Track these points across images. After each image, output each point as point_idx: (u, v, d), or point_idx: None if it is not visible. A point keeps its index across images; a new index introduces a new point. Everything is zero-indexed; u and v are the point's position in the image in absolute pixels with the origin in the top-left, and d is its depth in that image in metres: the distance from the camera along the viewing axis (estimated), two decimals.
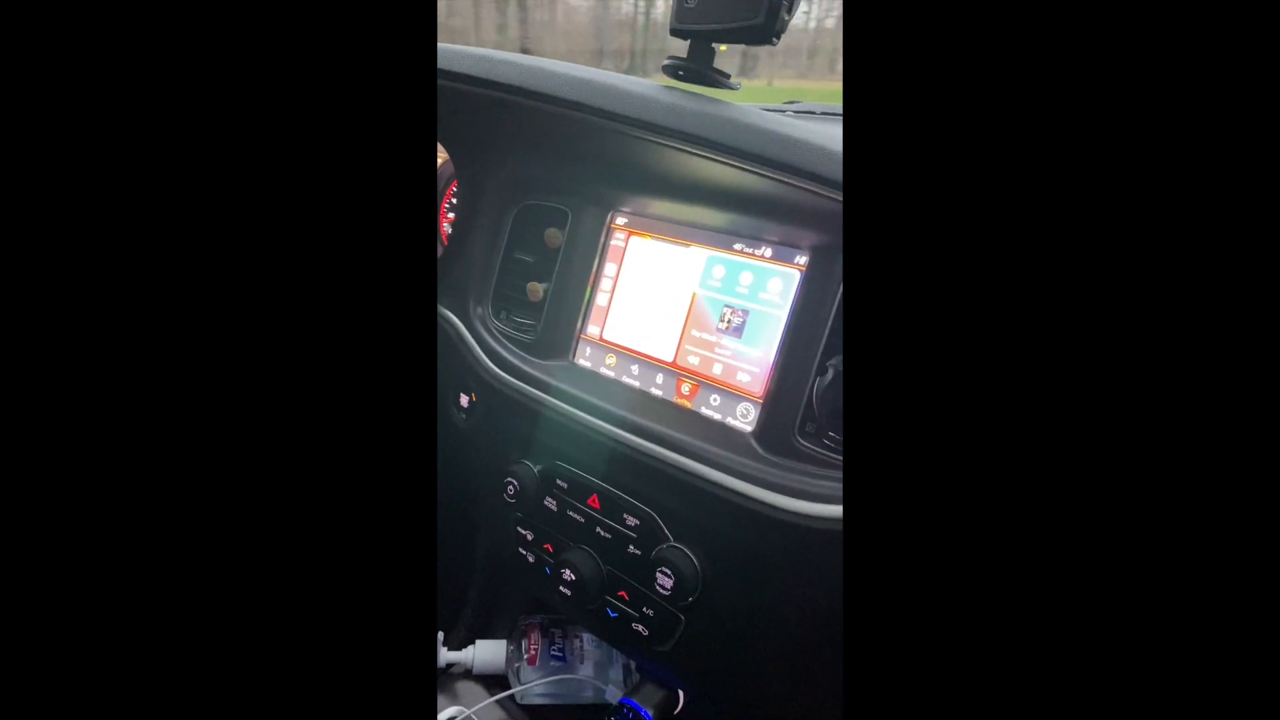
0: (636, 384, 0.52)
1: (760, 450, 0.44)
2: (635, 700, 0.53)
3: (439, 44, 0.55)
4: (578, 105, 0.47)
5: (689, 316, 0.49)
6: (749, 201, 0.46)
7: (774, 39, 0.45)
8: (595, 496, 0.51)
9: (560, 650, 0.61)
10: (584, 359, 0.55)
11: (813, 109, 0.87)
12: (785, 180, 0.41)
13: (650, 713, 0.53)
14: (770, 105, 0.90)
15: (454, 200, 0.75)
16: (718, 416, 0.47)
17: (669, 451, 0.46)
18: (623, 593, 0.50)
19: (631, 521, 0.48)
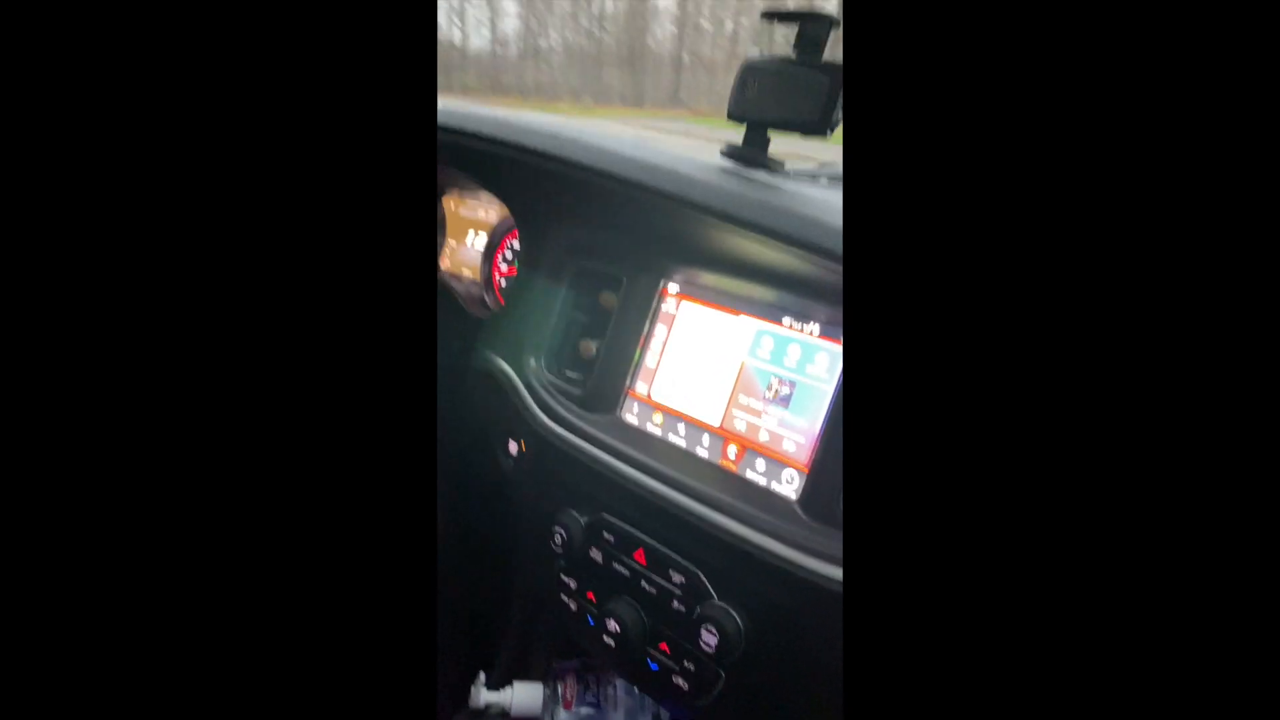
0: (683, 444, 0.54)
1: (804, 517, 0.46)
2: None
3: (505, 113, 0.60)
4: (640, 186, 0.51)
5: (737, 383, 0.52)
6: (799, 283, 0.49)
7: (828, 132, 0.49)
8: (641, 551, 0.53)
9: (595, 698, 0.63)
10: (631, 415, 0.58)
11: (839, 173, 0.91)
12: (829, 268, 0.44)
13: None
14: (806, 170, 0.93)
15: (507, 254, 0.79)
16: (762, 482, 0.50)
17: (714, 512, 0.48)
18: (664, 645, 0.52)
19: (677, 578, 0.51)
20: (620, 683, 0.64)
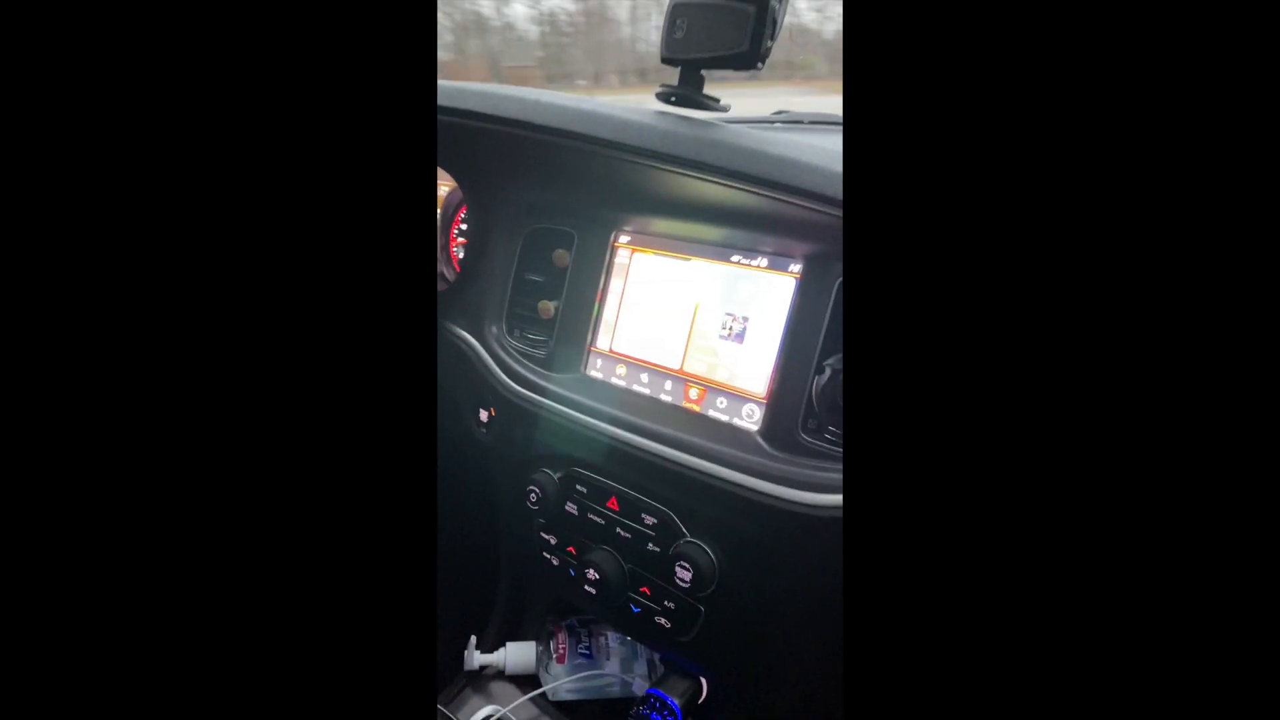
0: (646, 391, 0.55)
1: (766, 447, 0.47)
2: (662, 690, 0.56)
3: (442, 83, 0.59)
4: (578, 136, 0.50)
5: (693, 326, 0.53)
6: (744, 217, 0.49)
7: (759, 64, 0.49)
8: (614, 499, 0.54)
9: (587, 648, 0.64)
10: (595, 370, 0.58)
11: (800, 119, 0.90)
12: (776, 197, 0.44)
13: (677, 701, 0.56)
14: (759, 118, 0.93)
15: (463, 226, 0.79)
16: (725, 418, 0.50)
17: (680, 453, 0.49)
18: (644, 589, 0.53)
19: (649, 520, 0.52)
20: (611, 633, 0.66)
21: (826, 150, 0.46)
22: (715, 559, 0.49)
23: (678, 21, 0.51)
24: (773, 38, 0.49)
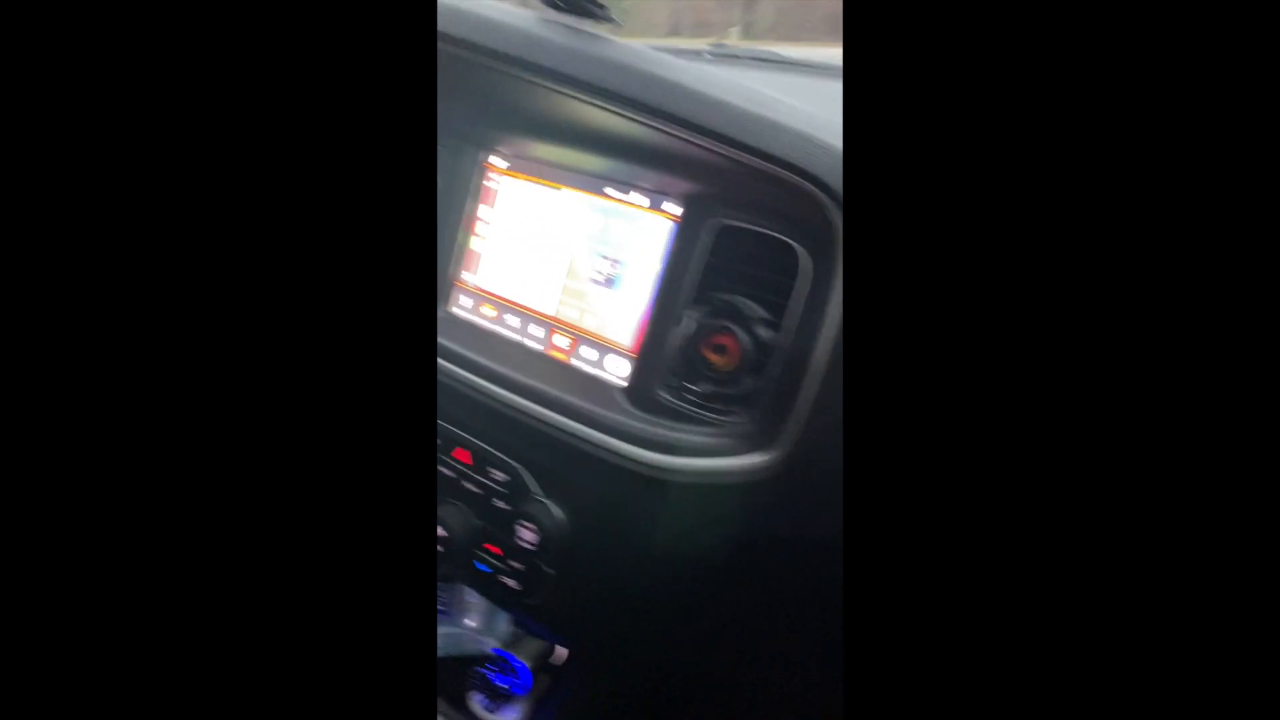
0: (514, 336, 0.49)
1: (629, 405, 0.43)
2: (511, 652, 0.53)
3: None
4: (443, 36, 0.43)
5: (566, 266, 0.47)
6: (625, 146, 0.43)
7: None
8: (464, 450, 0.49)
9: (444, 604, 0.60)
10: (459, 308, 0.52)
11: (737, 53, 0.83)
12: (656, 126, 0.39)
13: (527, 664, 0.53)
14: (694, 48, 0.86)
15: None
16: (591, 370, 0.46)
17: (538, 406, 0.45)
18: (492, 546, 0.49)
19: (499, 476, 0.47)
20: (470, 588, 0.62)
21: (725, 80, 0.40)
22: (565, 519, 0.45)
23: None
24: None
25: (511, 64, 0.42)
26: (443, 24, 0.44)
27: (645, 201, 0.44)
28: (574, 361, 0.47)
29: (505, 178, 0.50)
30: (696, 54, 0.82)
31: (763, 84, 0.42)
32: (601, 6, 0.47)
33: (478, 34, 0.43)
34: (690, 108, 0.38)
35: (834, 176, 0.35)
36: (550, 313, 0.48)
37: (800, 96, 0.54)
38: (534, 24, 0.43)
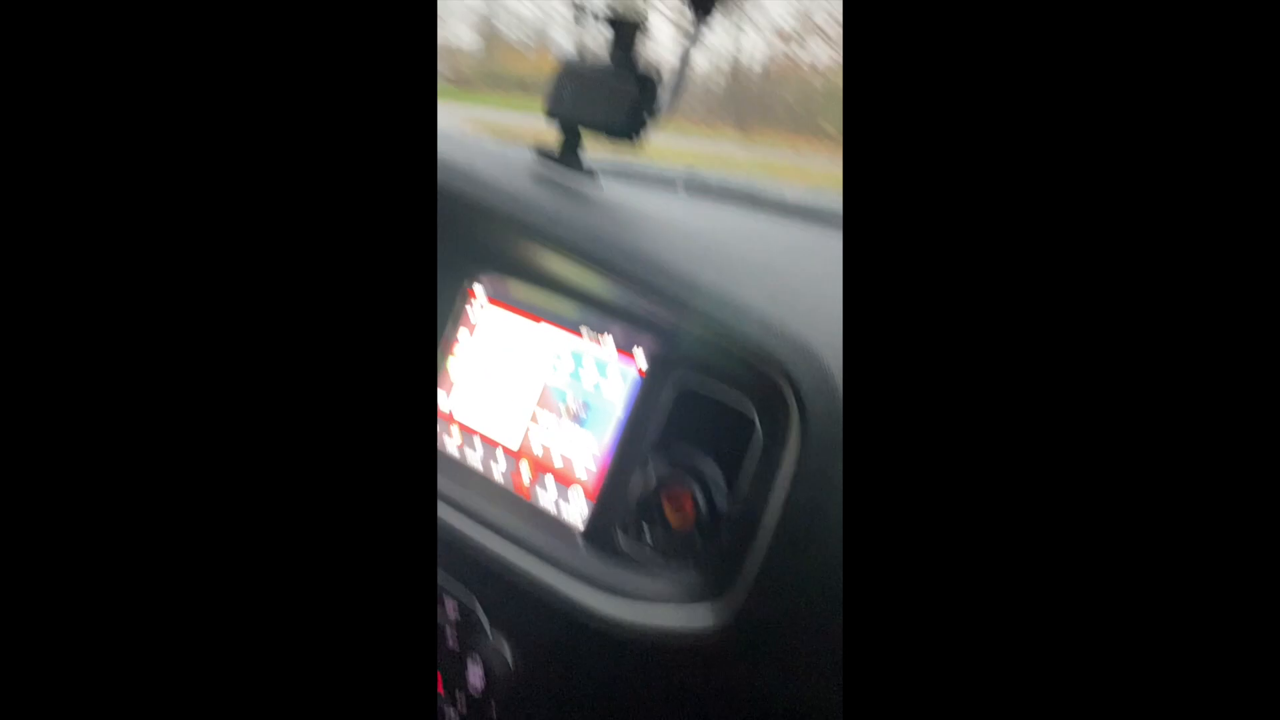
0: (478, 467, 0.50)
1: (587, 546, 0.44)
2: None
3: None
4: (445, 193, 0.46)
5: (536, 400, 0.49)
6: (600, 298, 0.46)
7: (634, 137, 0.47)
8: None
9: None
10: None
11: (709, 185, 0.87)
12: (629, 290, 0.41)
13: None
14: (665, 170, 0.90)
15: None
16: (552, 509, 0.46)
17: (498, 538, 0.45)
18: (439, 678, 0.48)
19: (450, 607, 0.46)
20: None
21: (689, 242, 0.43)
22: (512, 662, 0.44)
23: (564, 83, 0.48)
24: (652, 114, 0.47)
25: (501, 219, 0.45)
26: (441, 174, 0.47)
27: (616, 347, 0.46)
28: (536, 499, 0.47)
29: (488, 305, 0.52)
30: (671, 183, 0.85)
31: (736, 225, 0.45)
32: (591, 173, 0.50)
33: (473, 189, 0.46)
34: (663, 281, 0.40)
35: (794, 362, 0.37)
36: (515, 446, 0.49)
37: (771, 246, 0.58)
38: (525, 181, 0.46)
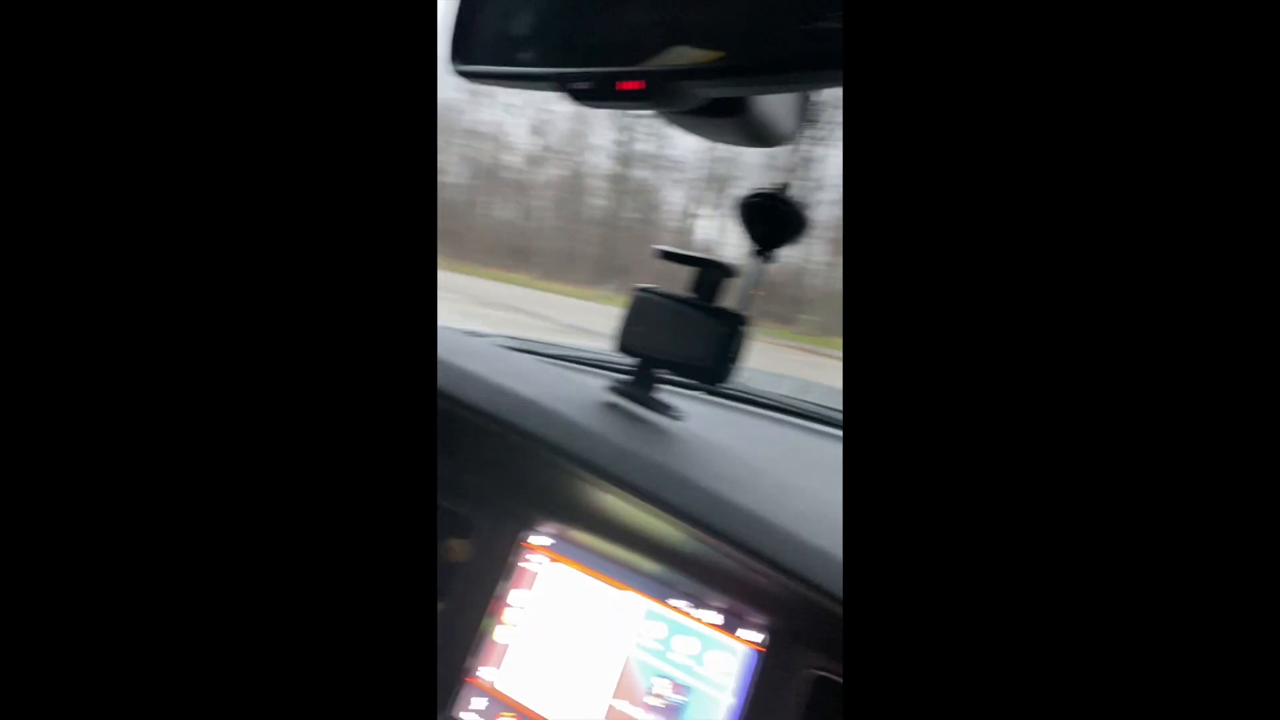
0: None
1: None
2: None
3: None
4: (495, 420, 0.42)
5: (618, 682, 0.41)
6: (696, 560, 0.41)
7: (719, 383, 0.45)
8: None
9: None
10: (469, 713, 0.43)
11: (811, 412, 0.74)
12: (733, 553, 0.36)
13: None
14: (767, 396, 0.76)
15: None
16: None
17: None
18: None
19: None
20: None
21: (801, 500, 0.40)
22: None
23: (642, 313, 0.47)
24: (736, 361, 0.45)
25: (569, 458, 0.40)
26: (496, 409, 0.43)
27: (719, 621, 0.40)
28: None
29: (547, 560, 0.45)
30: (777, 409, 0.75)
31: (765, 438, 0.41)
32: (669, 407, 0.48)
33: (530, 421, 0.42)
34: (761, 539, 0.36)
35: None
36: None
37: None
38: (599, 420, 0.43)
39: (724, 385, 0.45)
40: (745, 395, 0.79)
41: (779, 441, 0.69)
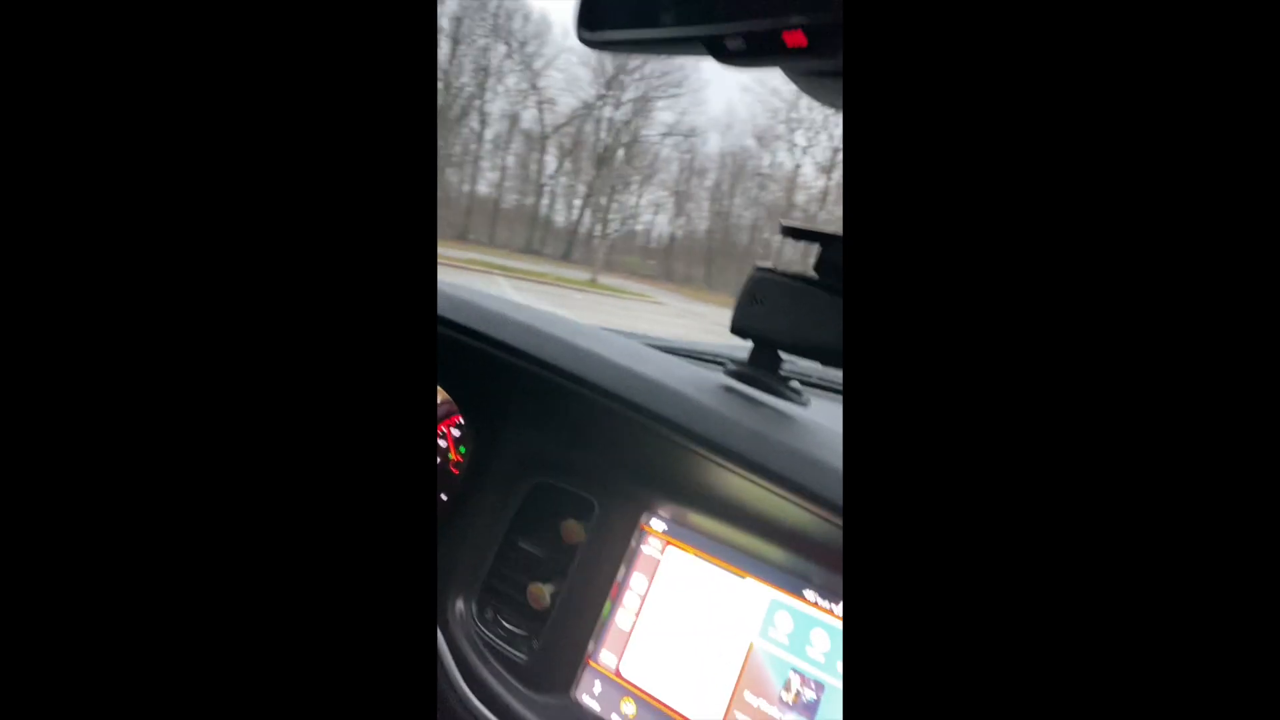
0: None
1: None
2: None
3: (444, 290, 0.50)
4: (611, 395, 0.41)
5: (742, 674, 0.40)
6: (824, 548, 0.39)
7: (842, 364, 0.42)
8: None
9: None
10: (590, 697, 0.43)
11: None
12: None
13: None
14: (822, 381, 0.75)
15: (456, 438, 0.65)
16: None
17: None
18: None
19: None
20: None
21: None
22: None
23: (758, 293, 0.45)
24: None
25: (689, 438, 0.39)
26: (617, 388, 0.42)
27: None
28: None
29: (670, 547, 0.45)
30: (835, 390, 0.73)
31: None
32: (794, 390, 0.46)
33: (649, 399, 0.41)
34: None
35: None
36: None
37: None
38: (721, 399, 0.41)
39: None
40: None
41: None
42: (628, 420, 0.42)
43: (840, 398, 0.73)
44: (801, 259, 0.46)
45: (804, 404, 0.44)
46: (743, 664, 0.40)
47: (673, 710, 0.41)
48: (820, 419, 0.44)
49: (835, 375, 0.71)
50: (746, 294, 0.45)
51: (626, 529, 0.46)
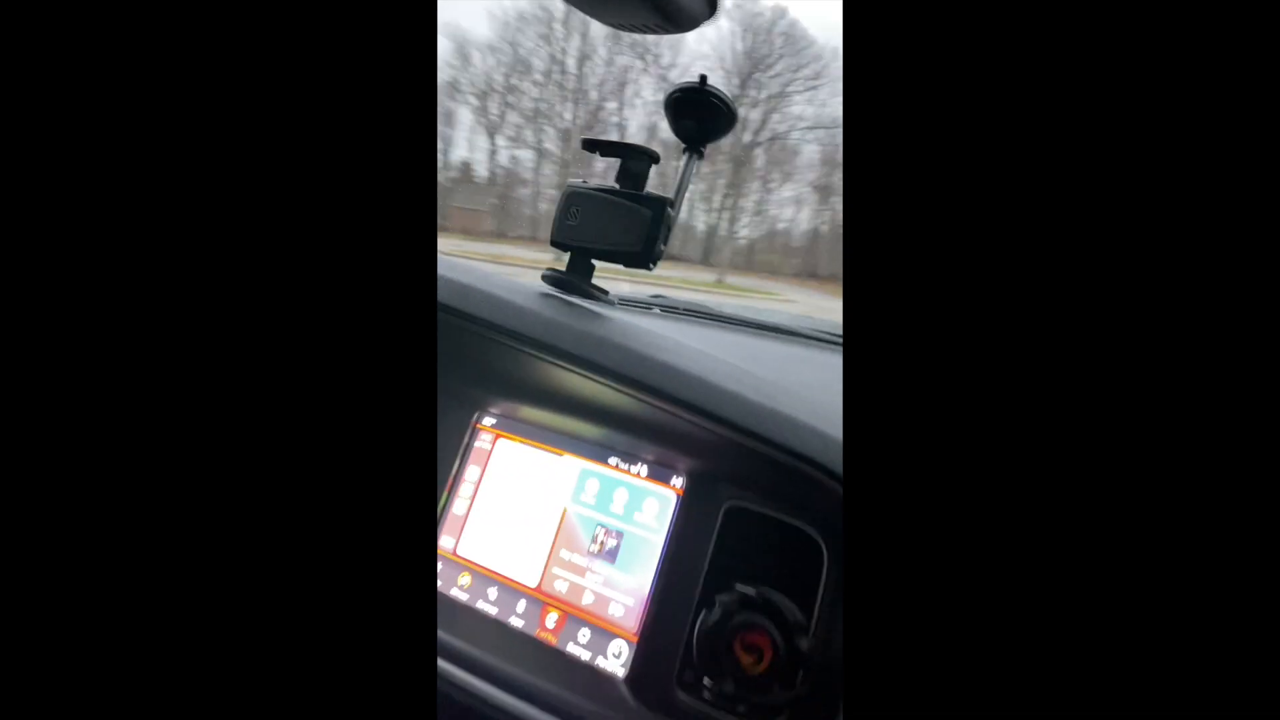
0: (493, 611, 0.45)
1: (631, 700, 0.39)
2: None
3: None
4: (453, 311, 0.45)
5: (558, 535, 0.45)
6: (625, 419, 0.44)
7: (650, 265, 0.48)
8: None
9: None
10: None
11: (675, 306, 0.90)
12: (660, 406, 0.40)
13: None
14: (637, 298, 0.92)
15: None
16: (586, 656, 0.41)
17: (523, 703, 0.39)
18: None
19: None
20: None
21: (713, 360, 0.43)
22: None
23: (572, 209, 0.50)
24: (665, 241, 0.48)
25: (519, 341, 0.44)
26: (445, 297, 0.46)
27: (646, 472, 0.44)
28: (565, 645, 0.42)
29: (499, 439, 0.49)
30: (646, 307, 0.89)
31: (712, 347, 0.45)
32: (601, 290, 0.51)
33: (480, 308, 0.45)
34: (695, 395, 0.40)
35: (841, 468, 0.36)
36: (537, 586, 0.44)
37: (784, 363, 0.58)
38: (540, 303, 0.46)
39: (653, 269, 0.48)
40: (701, 310, 0.83)
41: (725, 342, 0.73)
42: (459, 329, 0.46)
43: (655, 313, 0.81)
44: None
45: (611, 303, 0.50)
46: (558, 527, 0.45)
47: (501, 575, 0.45)
48: (625, 316, 0.50)
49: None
50: (561, 209, 0.50)
51: (460, 427, 0.50)
